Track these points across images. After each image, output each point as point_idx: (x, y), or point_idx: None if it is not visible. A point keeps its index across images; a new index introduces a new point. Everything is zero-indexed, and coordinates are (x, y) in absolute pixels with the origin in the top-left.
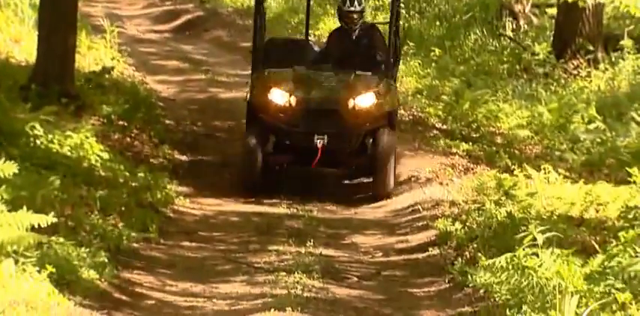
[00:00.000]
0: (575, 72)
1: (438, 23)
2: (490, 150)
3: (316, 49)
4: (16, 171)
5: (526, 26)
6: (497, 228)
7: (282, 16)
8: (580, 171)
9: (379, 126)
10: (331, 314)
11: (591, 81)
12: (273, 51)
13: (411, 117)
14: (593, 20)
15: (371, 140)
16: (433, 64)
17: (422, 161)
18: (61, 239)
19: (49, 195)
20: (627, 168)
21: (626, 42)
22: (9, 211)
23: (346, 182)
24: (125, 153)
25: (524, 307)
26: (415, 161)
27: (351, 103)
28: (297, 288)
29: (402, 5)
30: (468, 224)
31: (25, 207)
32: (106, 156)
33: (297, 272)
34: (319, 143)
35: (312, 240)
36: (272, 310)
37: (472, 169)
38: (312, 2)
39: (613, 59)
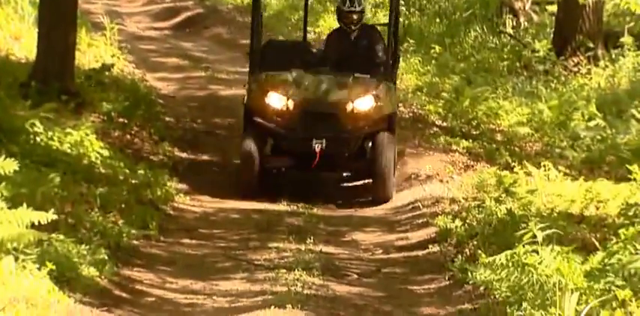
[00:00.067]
0: (575, 69)
1: (438, 20)
2: (490, 147)
3: (314, 50)
4: (16, 169)
5: (526, 23)
6: (498, 225)
7: (283, 14)
8: (580, 169)
9: (378, 129)
10: (331, 311)
11: (591, 78)
12: (270, 53)
13: (411, 114)
14: (593, 17)
15: (370, 143)
16: (433, 61)
17: (422, 158)
18: (61, 237)
19: (49, 192)
20: (627, 166)
21: (627, 39)
22: (9, 208)
23: (346, 185)
24: (125, 151)
25: (524, 304)
26: (415, 158)
27: (349, 107)
28: (297, 285)
29: (402, 2)
30: (468, 221)
31: (25, 204)
32: (106, 153)
33: (297, 270)
34: (317, 147)
35: (312, 237)
36: (272, 307)
37: (472, 166)
38: (311, 0)
39: (613, 56)
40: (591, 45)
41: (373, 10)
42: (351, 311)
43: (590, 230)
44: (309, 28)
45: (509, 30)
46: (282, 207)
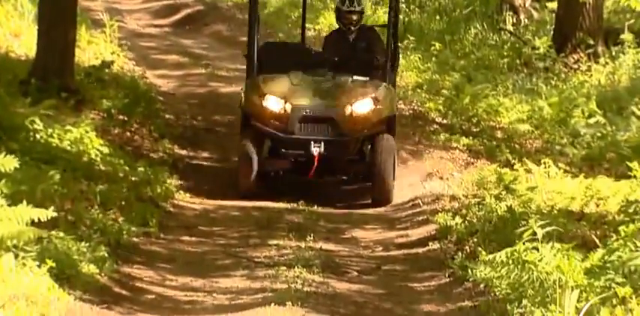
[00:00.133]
0: (575, 66)
1: (438, 17)
2: (490, 144)
3: (312, 52)
4: (16, 166)
5: (526, 20)
6: (498, 222)
7: (282, 11)
8: (580, 166)
9: (377, 132)
10: (331, 309)
11: (592, 75)
12: (268, 55)
13: (411, 111)
14: (593, 14)
15: (369, 147)
16: (433, 59)
17: (422, 155)
18: (61, 234)
19: (48, 190)
20: (627, 163)
21: (627, 36)
22: (9, 205)
23: (345, 187)
24: (125, 148)
25: (525, 301)
26: (415, 155)
27: (348, 110)
28: (297, 283)
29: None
30: (468, 218)
31: (25, 202)
32: (105, 150)
33: (298, 267)
34: (316, 151)
35: (312, 235)
36: (272, 304)
37: (472, 163)
38: None
39: (613, 53)
40: (591, 42)
41: (373, 7)
42: (351, 309)
43: (590, 227)
44: (309, 25)
45: (510, 27)
46: (282, 204)
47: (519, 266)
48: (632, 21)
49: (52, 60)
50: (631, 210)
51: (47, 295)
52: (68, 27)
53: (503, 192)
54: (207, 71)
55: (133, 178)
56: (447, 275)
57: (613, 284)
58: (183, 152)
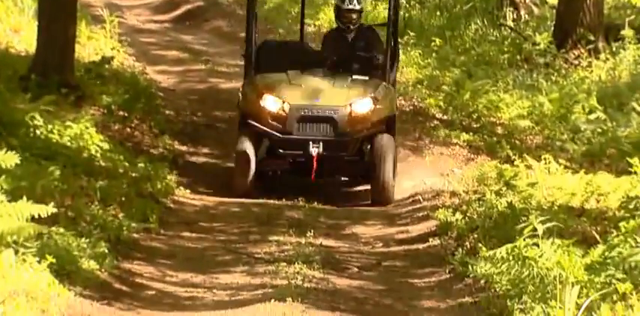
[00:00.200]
0: (576, 62)
1: (438, 13)
2: (491, 140)
3: (311, 51)
4: (17, 162)
5: (527, 16)
6: (498, 218)
7: (283, 7)
8: (581, 162)
9: (377, 131)
10: (331, 305)
11: (592, 71)
12: (266, 54)
13: (411, 107)
14: (594, 10)
15: (369, 147)
16: (434, 54)
17: (422, 151)
18: (61, 230)
19: (49, 186)
20: (628, 159)
21: (627, 32)
22: (9, 201)
23: (345, 190)
24: (125, 144)
25: (525, 297)
26: (416, 151)
27: (347, 109)
28: (297, 279)
29: None
30: (468, 214)
31: (25, 198)
32: (106, 146)
33: (298, 263)
34: (314, 151)
35: (312, 231)
36: (272, 300)
37: (473, 159)
38: None
39: (614, 49)
40: (592, 38)
41: (373, 3)
42: (352, 305)
43: (590, 223)
44: (309, 21)
45: (510, 23)
46: (282, 200)
47: (520, 262)
48: (632, 17)
49: (52, 56)
50: (631, 206)
51: (47, 291)
52: (68, 23)
53: (504, 188)
54: (208, 67)
55: (133, 174)
56: (447, 271)
57: (613, 280)
58: (184, 148)
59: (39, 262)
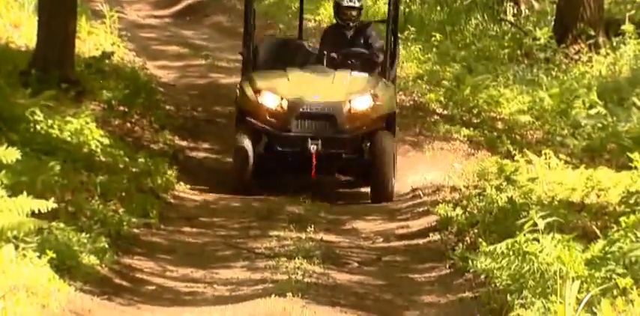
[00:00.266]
0: (576, 57)
1: (438, 8)
2: (491, 135)
3: (310, 48)
4: (18, 157)
5: (527, 11)
6: (498, 213)
7: (283, 2)
8: (581, 157)
9: (377, 129)
10: (332, 300)
11: (592, 66)
12: (264, 51)
13: (411, 102)
14: (594, 5)
15: (368, 144)
16: (434, 49)
17: (423, 146)
18: (62, 225)
19: (49, 181)
20: (628, 153)
21: (628, 27)
22: (9, 196)
23: (345, 190)
24: (125, 139)
25: (525, 292)
26: (416, 146)
27: (346, 106)
28: (297, 274)
29: None
30: (468, 209)
31: (25, 193)
32: (106, 141)
33: (298, 258)
34: (313, 148)
35: (312, 226)
36: (272, 295)
37: (473, 154)
38: None
39: (614, 44)
40: (592, 33)
41: None
42: (352, 300)
43: (591, 218)
44: (309, 16)
45: (510, 18)
46: (282, 195)
47: (520, 257)
48: (632, 12)
49: (52, 51)
50: (632, 201)
51: (47, 286)
52: (68, 18)
53: (504, 183)
54: (208, 62)
55: (134, 169)
56: (447, 267)
57: (614, 275)
58: (184, 143)
59: (39, 257)
